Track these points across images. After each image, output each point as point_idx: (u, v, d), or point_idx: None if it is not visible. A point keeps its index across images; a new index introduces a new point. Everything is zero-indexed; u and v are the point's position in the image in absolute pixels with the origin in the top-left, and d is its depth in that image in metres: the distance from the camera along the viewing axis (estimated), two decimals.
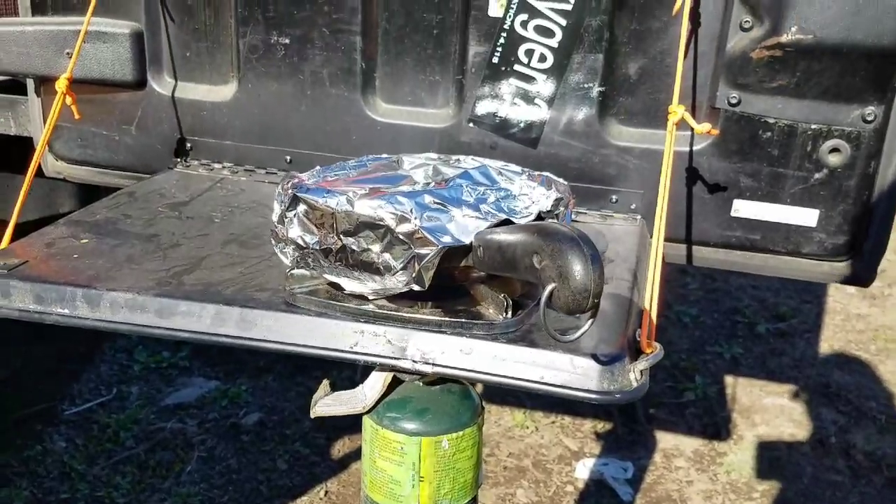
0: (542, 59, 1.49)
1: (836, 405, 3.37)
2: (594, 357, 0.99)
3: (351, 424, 2.92)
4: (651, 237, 1.49)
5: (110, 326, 1.13)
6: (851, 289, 4.47)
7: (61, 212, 2.17)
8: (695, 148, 1.46)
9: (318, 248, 1.06)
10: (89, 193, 2.11)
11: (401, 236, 0.99)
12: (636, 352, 1.06)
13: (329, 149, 1.63)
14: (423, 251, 0.98)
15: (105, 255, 1.26)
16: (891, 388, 3.51)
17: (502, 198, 1.04)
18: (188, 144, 1.72)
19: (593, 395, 0.98)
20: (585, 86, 1.49)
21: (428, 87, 1.58)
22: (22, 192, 1.34)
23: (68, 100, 1.50)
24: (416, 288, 1.00)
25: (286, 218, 1.08)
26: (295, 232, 1.07)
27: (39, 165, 1.82)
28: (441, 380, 1.27)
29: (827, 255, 1.48)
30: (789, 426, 3.22)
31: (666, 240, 1.50)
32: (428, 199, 1.01)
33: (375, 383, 1.26)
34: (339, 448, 2.86)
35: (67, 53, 1.65)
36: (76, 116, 1.56)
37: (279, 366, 3.36)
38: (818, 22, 1.30)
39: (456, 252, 1.00)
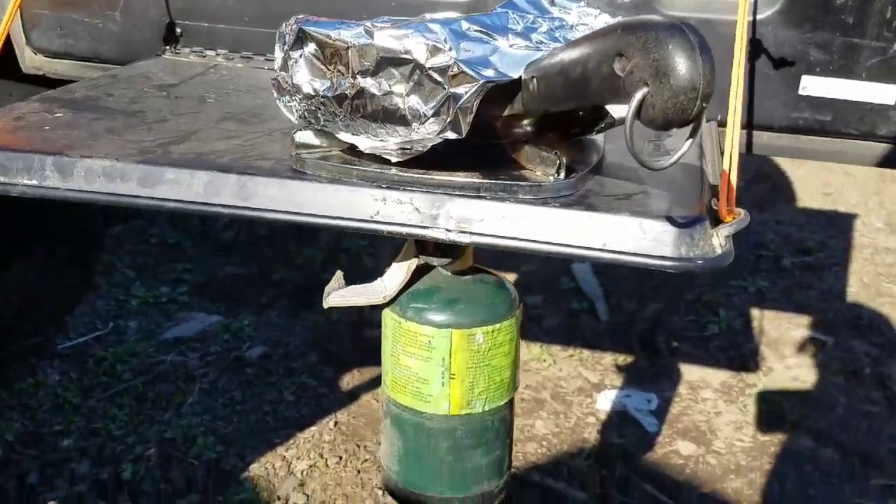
0: None
1: (868, 337, 3.22)
2: (669, 219, 0.82)
3: (360, 358, 2.78)
4: (707, 120, 1.31)
5: (85, 197, 0.96)
6: (879, 222, 4.29)
7: None
8: (759, 16, 1.28)
9: (329, 94, 0.88)
10: None
11: (432, 73, 0.81)
12: (715, 221, 0.89)
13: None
14: (460, 90, 0.80)
15: (82, 127, 1.09)
16: None
17: (557, 27, 0.86)
18: (178, 30, 1.53)
19: (669, 262, 0.81)
20: None
21: None
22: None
23: None
24: (451, 136, 0.82)
25: (290, 60, 0.90)
26: (302, 76, 0.89)
27: (15, 67, 1.65)
28: (473, 269, 1.11)
29: None
30: (820, 358, 3.07)
31: (723, 125, 1.33)
32: (465, 26, 0.83)
33: (397, 273, 1.09)
34: (349, 380, 2.72)
35: None
36: None
37: (283, 301, 3.21)
38: None
39: (498, 97, 0.83)
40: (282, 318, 3.08)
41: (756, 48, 1.30)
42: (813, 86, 1.30)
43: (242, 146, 1.03)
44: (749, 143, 1.37)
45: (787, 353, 3.07)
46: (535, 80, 0.77)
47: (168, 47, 1.54)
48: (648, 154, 1.06)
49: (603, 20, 0.89)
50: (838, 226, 4.16)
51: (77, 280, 3.10)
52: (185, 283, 3.26)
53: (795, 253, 3.88)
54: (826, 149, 1.35)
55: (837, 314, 3.36)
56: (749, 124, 1.35)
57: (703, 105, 0.63)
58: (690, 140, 0.68)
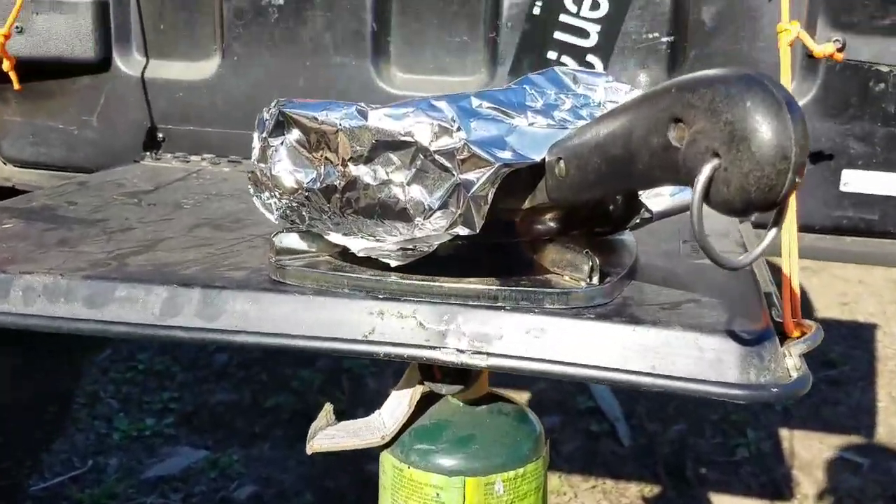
0: (595, 6, 1.20)
1: None
2: (731, 333, 0.66)
3: (362, 496, 2.55)
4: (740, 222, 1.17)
5: (19, 322, 0.79)
6: None
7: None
8: None
9: (315, 187, 0.73)
10: None
11: (438, 157, 0.67)
12: (781, 336, 0.73)
13: None
14: (471, 176, 0.66)
15: (31, 238, 0.94)
16: None
17: (581, 105, 0.73)
18: (160, 134, 1.42)
19: (737, 391, 0.64)
20: (650, 36, 1.20)
21: (454, 50, 1.29)
22: None
23: (6, 65, 1.21)
24: (462, 231, 0.67)
25: (269, 148, 0.76)
26: (283, 167, 0.75)
27: None
28: (490, 397, 0.93)
29: None
30: (857, 481, 2.85)
31: (758, 226, 1.19)
32: (476, 102, 0.69)
33: (398, 405, 0.92)
34: None
35: (17, 28, 1.37)
36: (15, 87, 1.26)
37: (277, 430, 3.00)
38: None
39: (516, 186, 0.68)
40: (275, 451, 2.86)
41: None
42: (855, 181, 1.17)
43: (214, 255, 0.88)
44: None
45: (820, 476, 2.85)
46: (562, 162, 0.63)
47: (148, 153, 1.42)
48: (690, 255, 0.91)
49: (634, 96, 0.75)
50: (860, 336, 4.01)
51: (53, 414, 2.91)
52: (171, 414, 3.07)
53: (820, 366, 3.71)
54: (875, 251, 1.21)
55: (869, 432, 3.16)
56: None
57: (796, 180, 0.48)
58: (776, 228, 0.52)
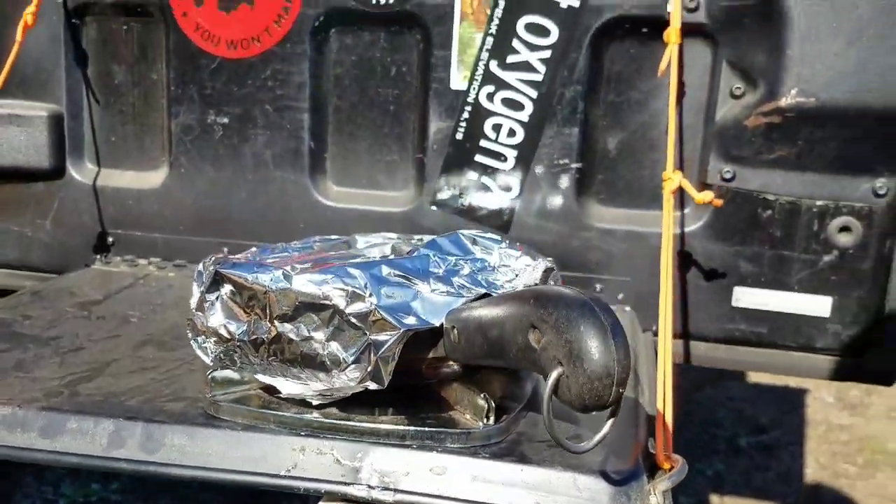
0: (512, 133, 1.33)
1: None
2: (604, 475, 0.77)
3: None
4: (642, 331, 1.30)
5: None
6: (830, 398, 4.30)
7: None
8: (687, 229, 1.30)
9: (246, 338, 0.83)
10: None
11: (352, 319, 0.78)
12: (652, 467, 0.84)
13: (274, 238, 1.42)
14: (380, 337, 0.77)
15: None
16: None
17: (478, 269, 0.84)
18: (110, 238, 1.50)
19: None
20: (561, 162, 1.33)
21: (385, 167, 1.41)
22: None
23: None
24: (372, 386, 0.78)
25: (206, 302, 0.86)
26: (217, 319, 0.85)
27: None
28: None
29: (844, 350, 1.30)
30: None
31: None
32: (386, 270, 0.80)
33: None
34: None
35: None
36: None
37: (222, 497, 3.02)
38: (821, 82, 1.16)
39: (423, 338, 0.79)
40: None
41: (686, 260, 1.31)
42: (746, 297, 1.31)
43: (156, 381, 0.97)
44: (687, 354, 1.35)
45: None
46: (455, 329, 0.74)
47: (98, 256, 1.50)
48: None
49: (523, 262, 0.87)
50: (790, 401, 4.14)
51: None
52: (117, 480, 3.06)
53: (750, 431, 3.83)
54: (765, 361, 1.34)
55: (798, 498, 3.27)
56: (685, 335, 1.34)
57: (620, 391, 0.60)
58: (611, 420, 0.64)
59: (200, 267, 0.89)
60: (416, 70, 1.35)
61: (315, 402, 0.84)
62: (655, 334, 1.31)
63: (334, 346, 0.79)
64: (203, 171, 1.45)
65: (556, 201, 1.34)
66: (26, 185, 1.50)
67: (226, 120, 1.42)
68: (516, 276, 0.85)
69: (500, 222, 1.36)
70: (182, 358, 1.06)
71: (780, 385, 4.40)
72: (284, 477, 0.82)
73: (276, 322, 0.81)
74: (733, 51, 1.21)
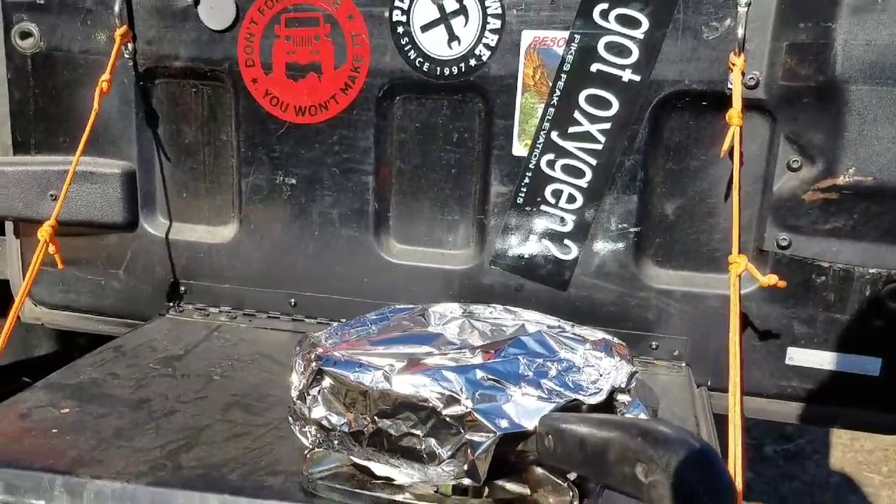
0: (572, 199, 1.38)
1: None
2: None
3: None
4: (696, 385, 1.35)
5: None
6: None
7: (37, 354, 1.98)
8: (744, 291, 1.34)
9: (346, 430, 0.90)
10: (68, 334, 1.94)
11: (449, 419, 0.84)
12: None
13: (338, 291, 1.50)
14: (476, 438, 0.83)
15: (88, 428, 1.09)
16: None
17: (564, 370, 0.90)
18: (182, 288, 1.57)
19: None
20: (620, 226, 1.38)
21: (446, 227, 1.46)
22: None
23: (51, 249, 1.36)
24: (467, 482, 0.84)
25: (308, 395, 0.93)
26: (319, 412, 0.92)
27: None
28: None
29: (893, 406, 1.34)
30: None
31: (714, 389, 1.37)
32: (480, 374, 0.86)
33: None
34: None
35: (52, 196, 1.52)
36: (59, 266, 1.41)
37: None
38: (879, 164, 1.21)
39: (515, 436, 0.85)
40: None
41: (742, 321, 1.36)
42: (799, 356, 1.36)
43: (250, 451, 1.04)
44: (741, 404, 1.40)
45: None
46: (550, 437, 0.80)
47: (171, 304, 1.57)
48: None
49: (609, 363, 0.93)
50: None
51: None
52: None
53: (776, 440, 3.87)
54: (816, 415, 1.39)
55: None
56: (741, 391, 1.39)
57: None
58: None
59: (297, 354, 0.96)
60: (477, 136, 1.40)
61: (406, 483, 0.90)
62: (710, 388, 1.37)
63: (431, 442, 0.85)
64: (271, 227, 1.51)
65: (615, 263, 1.39)
66: (100, 237, 1.57)
67: (294, 181, 1.48)
68: (601, 376, 0.90)
69: (559, 281, 1.41)
70: (269, 423, 1.12)
71: None
72: None
73: (376, 418, 0.88)
74: (791, 127, 1.26)
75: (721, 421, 1.18)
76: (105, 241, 1.57)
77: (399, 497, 0.91)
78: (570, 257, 1.40)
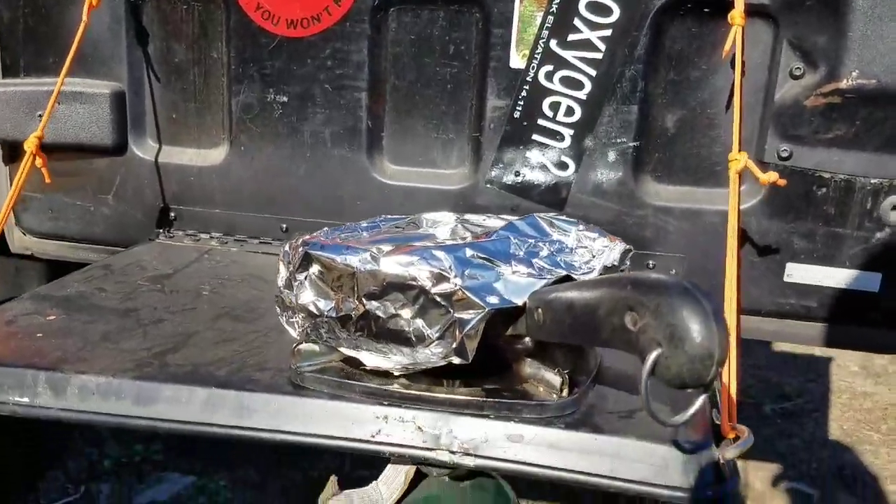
0: (570, 112, 1.35)
1: (853, 490, 3.17)
2: (675, 444, 0.81)
3: None
4: None
5: (78, 417, 0.93)
6: (854, 366, 4.32)
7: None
8: (742, 206, 1.32)
9: (334, 315, 0.88)
10: (60, 272, 1.92)
11: (438, 298, 0.82)
12: (716, 437, 0.88)
13: (331, 215, 1.47)
14: (465, 315, 0.81)
15: (75, 333, 1.07)
16: None
17: (556, 251, 0.88)
18: (172, 213, 1.55)
19: (679, 493, 0.79)
20: (618, 141, 1.35)
21: (441, 146, 1.44)
22: None
23: (38, 162, 1.33)
24: (456, 361, 0.82)
25: (296, 281, 0.90)
26: (307, 297, 0.89)
27: (5, 242, 1.65)
28: (472, 473, 1.07)
29: (892, 323, 1.32)
30: None
31: None
32: (469, 253, 0.84)
33: (393, 478, 1.06)
34: None
35: (39, 115, 1.49)
36: (46, 180, 1.39)
37: (261, 457, 3.10)
38: (884, 65, 1.18)
39: (504, 316, 0.83)
40: (259, 476, 2.97)
41: (740, 237, 1.33)
42: (797, 273, 1.33)
43: (239, 352, 1.02)
44: (738, 328, 1.38)
45: None
46: (539, 310, 0.78)
47: (162, 230, 1.55)
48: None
49: (601, 244, 0.91)
50: (815, 370, 4.17)
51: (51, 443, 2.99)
52: (159, 440, 3.16)
53: (775, 399, 3.87)
54: (815, 334, 1.37)
55: (821, 464, 3.32)
56: (738, 309, 1.37)
57: (719, 370, 0.63)
58: (704, 396, 0.68)
59: (287, 247, 0.93)
60: (474, 49, 1.37)
61: (396, 374, 0.88)
62: None
63: (419, 323, 0.83)
64: (263, 148, 1.48)
65: (612, 179, 1.36)
66: (89, 161, 1.54)
67: (285, 98, 1.45)
68: (593, 256, 0.88)
69: (555, 199, 1.39)
70: (259, 330, 1.10)
71: (806, 353, 4.43)
72: (370, 442, 0.87)
73: (363, 300, 0.85)
74: (794, 31, 1.23)
75: None
76: (94, 166, 1.55)
77: (390, 387, 0.89)
78: (567, 175, 1.38)
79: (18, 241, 1.64)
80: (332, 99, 1.43)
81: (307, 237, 0.93)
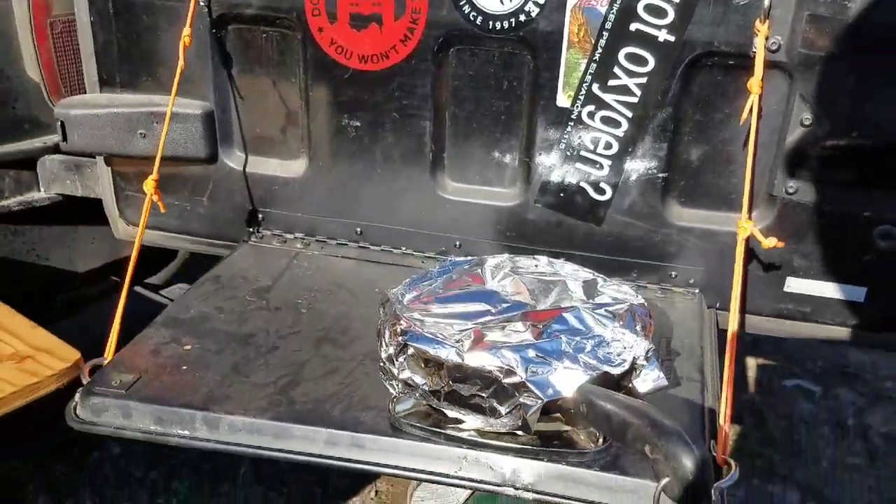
0: (608, 146, 1.55)
1: (853, 386, 3.47)
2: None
3: None
4: (707, 307, 1.59)
5: (229, 449, 1.22)
6: None
7: (125, 255, 2.23)
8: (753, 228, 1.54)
9: (427, 388, 1.16)
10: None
11: (507, 386, 1.10)
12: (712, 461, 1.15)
13: (399, 222, 1.71)
14: (528, 401, 1.09)
15: (211, 365, 1.34)
16: None
17: (597, 345, 1.15)
18: (260, 215, 1.79)
19: None
20: (649, 171, 1.56)
21: (496, 167, 1.65)
22: (119, 309, 1.41)
23: (155, 198, 1.57)
24: (520, 434, 1.11)
25: (396, 362, 1.18)
26: (406, 374, 1.17)
27: (110, 226, 1.90)
28: None
29: (873, 327, 1.58)
30: (809, 407, 3.33)
31: (721, 308, 1.60)
32: (531, 353, 1.11)
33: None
34: None
35: (141, 134, 1.71)
36: (162, 210, 1.63)
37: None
38: (882, 125, 1.37)
39: (557, 401, 1.11)
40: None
41: (749, 255, 1.57)
42: (796, 285, 1.58)
43: (345, 386, 1.29)
44: (742, 324, 1.65)
45: (778, 403, 3.34)
46: (584, 406, 1.06)
47: (251, 229, 1.80)
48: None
49: (630, 339, 1.17)
50: None
51: None
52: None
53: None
54: (806, 331, 1.63)
55: (826, 362, 3.62)
56: (743, 310, 1.63)
57: (707, 501, 0.93)
58: None
59: (383, 321, 1.21)
60: (525, 86, 1.55)
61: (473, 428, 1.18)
62: (718, 309, 1.61)
63: (493, 402, 1.12)
64: (339, 164, 1.69)
65: (643, 203, 1.58)
66: (185, 168, 1.77)
67: (358, 123, 1.65)
68: (625, 349, 1.15)
69: (594, 219, 1.61)
70: (353, 357, 1.37)
71: None
72: (453, 477, 1.17)
73: (451, 382, 1.13)
74: (806, 87, 1.40)
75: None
76: (190, 172, 1.77)
77: (466, 435, 1.18)
78: (604, 198, 1.60)
79: (123, 231, 1.89)
80: (399, 125, 1.63)
81: (402, 318, 1.19)
